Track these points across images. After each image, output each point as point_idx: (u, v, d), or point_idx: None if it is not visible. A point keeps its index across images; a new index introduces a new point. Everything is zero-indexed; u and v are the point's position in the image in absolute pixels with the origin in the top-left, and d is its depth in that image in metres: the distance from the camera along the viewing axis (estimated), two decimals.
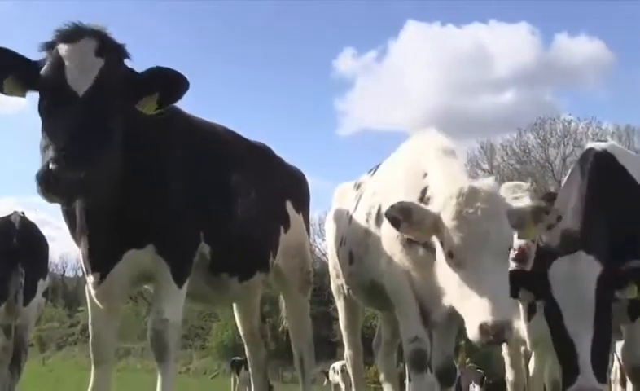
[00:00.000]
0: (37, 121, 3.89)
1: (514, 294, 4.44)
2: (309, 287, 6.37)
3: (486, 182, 4.17)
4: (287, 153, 6.05)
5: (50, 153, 3.54)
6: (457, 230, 3.94)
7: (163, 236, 4.49)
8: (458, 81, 77.98)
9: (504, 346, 8.30)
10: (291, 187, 6.23)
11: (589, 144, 5.44)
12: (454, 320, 5.32)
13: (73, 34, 3.96)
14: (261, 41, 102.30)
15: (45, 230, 7.62)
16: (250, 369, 6.75)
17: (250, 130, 5.82)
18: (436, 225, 4.07)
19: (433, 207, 4.19)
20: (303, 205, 6.38)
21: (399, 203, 4.18)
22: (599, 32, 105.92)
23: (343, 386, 24.81)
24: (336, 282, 6.51)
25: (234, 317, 6.70)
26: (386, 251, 4.94)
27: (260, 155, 5.97)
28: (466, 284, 3.94)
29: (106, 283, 4.48)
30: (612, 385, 10.09)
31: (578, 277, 4.40)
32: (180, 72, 4.10)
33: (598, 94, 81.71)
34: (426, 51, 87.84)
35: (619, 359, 9.28)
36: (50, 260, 8.09)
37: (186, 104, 4.78)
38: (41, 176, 3.47)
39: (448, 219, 3.98)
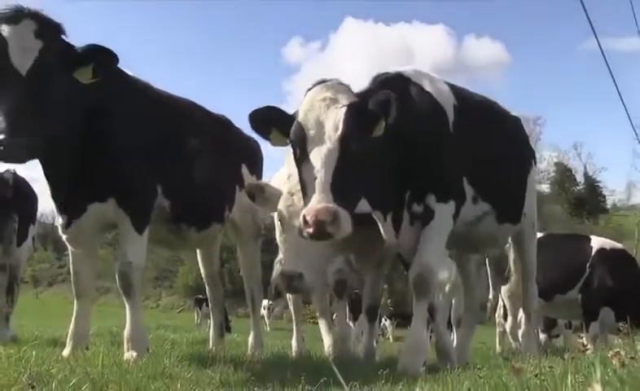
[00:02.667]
0: None
1: (265, 135, 4.12)
2: (260, 238, 6.33)
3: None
4: (241, 124, 5.95)
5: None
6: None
7: (122, 191, 4.42)
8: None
9: None
10: (247, 153, 6.13)
11: (383, 69, 4.72)
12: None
13: (14, 16, 3.85)
14: (222, 29, 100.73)
15: (36, 187, 7.51)
16: (210, 305, 6.72)
17: (208, 104, 5.77)
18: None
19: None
20: (257, 169, 6.28)
21: (255, 183, 4.56)
22: (499, 36, 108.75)
23: (267, 320, 28.92)
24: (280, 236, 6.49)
25: (197, 262, 6.64)
26: None
27: (220, 124, 5.87)
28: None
29: (74, 230, 4.48)
30: (497, 319, 10.44)
31: (324, 99, 3.82)
32: (109, 48, 4.11)
33: (498, 86, 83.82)
34: (360, 44, 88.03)
35: (502, 298, 9.64)
36: (41, 211, 7.99)
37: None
38: None
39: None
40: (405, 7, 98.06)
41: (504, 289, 9.39)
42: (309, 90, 3.96)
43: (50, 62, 3.87)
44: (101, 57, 4.10)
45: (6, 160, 3.81)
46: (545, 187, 58.78)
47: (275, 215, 4.45)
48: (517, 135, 5.74)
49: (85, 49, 4.07)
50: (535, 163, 6.08)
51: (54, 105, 3.88)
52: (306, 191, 3.73)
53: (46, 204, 7.63)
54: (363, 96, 4.02)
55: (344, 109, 3.76)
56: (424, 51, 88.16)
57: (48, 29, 3.94)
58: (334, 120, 3.73)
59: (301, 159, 3.79)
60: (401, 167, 4.25)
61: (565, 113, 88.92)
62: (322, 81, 4.00)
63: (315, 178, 3.59)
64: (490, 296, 10.22)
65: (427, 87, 4.56)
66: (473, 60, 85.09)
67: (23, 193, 7.41)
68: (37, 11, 3.94)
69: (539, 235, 9.75)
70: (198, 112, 5.60)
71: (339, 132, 3.70)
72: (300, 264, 4.31)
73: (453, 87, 4.84)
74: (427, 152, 4.28)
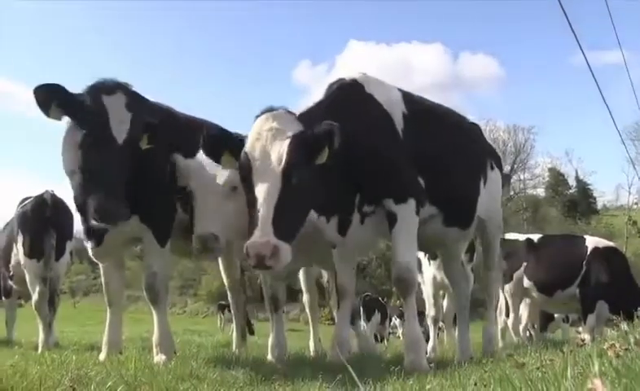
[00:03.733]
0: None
1: (216, 159, 4.04)
2: None
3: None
4: None
5: (98, 188, 3.81)
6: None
7: (145, 209, 4.46)
8: None
9: (427, 289, 8.44)
10: None
11: (340, 75, 4.66)
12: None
13: (112, 88, 4.04)
14: (235, 53, 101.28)
15: (72, 204, 7.56)
16: (232, 310, 6.71)
17: (223, 126, 5.79)
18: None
19: None
20: None
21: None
22: (493, 51, 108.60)
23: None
24: None
25: (219, 271, 6.64)
26: None
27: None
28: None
29: (102, 247, 4.56)
30: (498, 318, 10.33)
31: (270, 129, 3.73)
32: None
33: (493, 100, 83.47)
34: (364, 64, 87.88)
35: (504, 294, 9.56)
36: (77, 228, 8.04)
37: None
38: (96, 210, 3.80)
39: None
40: (405, 28, 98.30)
41: (506, 287, 9.38)
42: (257, 117, 3.90)
43: (136, 132, 4.04)
44: (152, 128, 4.21)
45: (104, 222, 3.95)
46: (540, 191, 58.46)
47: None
48: (472, 141, 5.56)
49: (146, 125, 4.19)
50: (498, 168, 5.90)
51: (129, 171, 4.01)
52: (251, 219, 3.64)
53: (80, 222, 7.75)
54: (309, 121, 3.92)
55: (287, 141, 3.69)
56: (423, 69, 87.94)
57: (135, 103, 4.10)
58: (278, 152, 3.67)
59: (247, 187, 3.73)
60: (348, 173, 4.16)
61: (557, 122, 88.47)
62: (270, 110, 3.93)
63: (258, 211, 3.53)
64: None
65: (378, 95, 4.49)
66: (469, 76, 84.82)
67: (61, 211, 7.41)
68: (127, 85, 4.12)
69: (537, 236, 9.80)
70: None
71: (282, 165, 3.64)
72: (214, 225, 4.21)
73: (404, 94, 4.75)
74: (376, 158, 4.20)
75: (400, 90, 4.80)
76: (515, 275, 9.24)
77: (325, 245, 4.51)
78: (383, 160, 4.24)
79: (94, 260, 4.73)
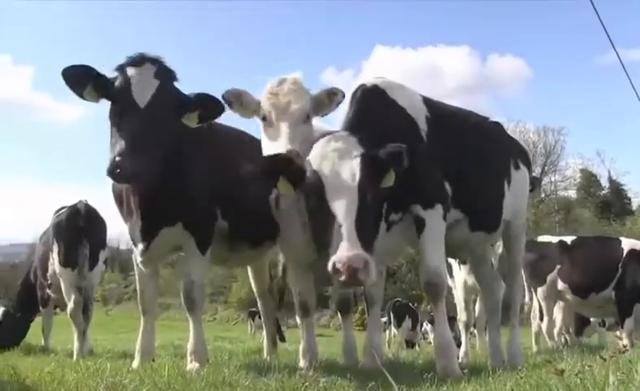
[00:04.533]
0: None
1: (274, 182, 3.92)
2: None
3: (293, 75, 4.35)
4: None
5: (117, 148, 3.74)
6: (266, 99, 4.20)
7: (188, 216, 4.52)
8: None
9: (459, 294, 8.32)
10: None
11: (361, 81, 4.61)
12: None
13: (139, 60, 4.10)
14: (259, 60, 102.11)
15: (104, 214, 7.70)
16: (262, 317, 6.73)
17: (256, 134, 5.79)
18: (257, 107, 4.28)
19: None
20: None
21: (233, 89, 4.37)
22: (521, 52, 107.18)
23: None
24: None
25: (249, 278, 6.66)
26: None
27: None
28: (271, 138, 4.14)
29: (148, 252, 4.60)
30: (533, 322, 10.13)
31: (336, 149, 3.74)
32: (218, 97, 4.27)
33: (521, 101, 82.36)
34: (390, 69, 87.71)
35: (537, 297, 9.37)
36: (108, 236, 8.18)
37: None
38: (110, 164, 3.67)
39: (263, 95, 4.24)
40: (431, 32, 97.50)
41: (539, 290, 9.23)
42: (316, 143, 3.90)
43: (164, 100, 4.04)
44: (209, 104, 4.25)
45: (118, 180, 3.89)
46: (571, 193, 57.24)
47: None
48: (495, 142, 5.44)
49: (196, 96, 4.22)
50: (525, 164, 5.77)
51: (162, 138, 4.00)
52: (323, 238, 3.57)
53: (112, 230, 7.87)
54: (367, 140, 3.88)
55: (358, 159, 3.70)
56: (450, 72, 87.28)
57: (165, 73, 4.14)
58: (350, 169, 3.66)
59: (318, 206, 3.66)
60: None
61: (587, 122, 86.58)
62: (329, 133, 3.96)
63: (340, 226, 3.46)
64: (527, 299, 9.94)
65: (401, 99, 4.47)
66: (497, 77, 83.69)
67: (94, 221, 7.55)
68: (157, 57, 4.17)
69: (570, 238, 9.61)
70: (247, 141, 5.62)
71: (356, 181, 3.62)
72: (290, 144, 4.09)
73: (424, 98, 4.72)
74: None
75: (420, 94, 4.76)
76: (549, 278, 9.08)
77: None
78: (411, 166, 4.21)
79: (141, 266, 4.77)
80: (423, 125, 4.46)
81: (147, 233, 4.52)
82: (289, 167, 3.85)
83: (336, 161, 3.68)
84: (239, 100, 4.37)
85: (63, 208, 7.87)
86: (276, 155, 3.96)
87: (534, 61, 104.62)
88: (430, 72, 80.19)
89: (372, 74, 5.57)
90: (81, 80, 4.05)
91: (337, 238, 3.44)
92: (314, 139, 4.05)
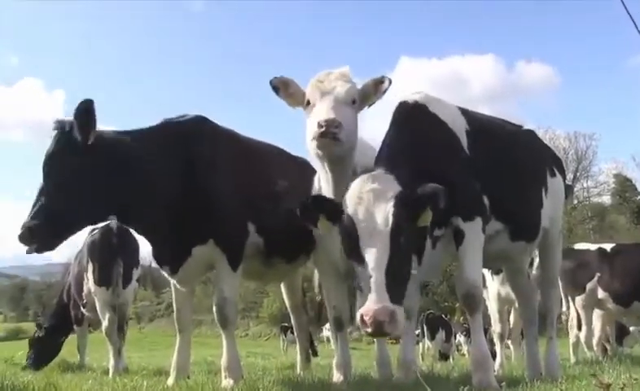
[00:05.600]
0: None
1: (313, 223, 3.83)
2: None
3: (341, 68, 4.34)
4: None
5: None
6: (312, 86, 4.18)
7: (219, 232, 4.52)
8: None
9: (492, 305, 8.18)
10: None
11: (402, 97, 4.57)
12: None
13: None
14: (290, 73, 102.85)
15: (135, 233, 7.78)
16: (295, 332, 6.71)
17: (277, 141, 5.79)
18: (303, 98, 4.26)
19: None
20: None
21: (281, 76, 4.38)
22: (548, 59, 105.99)
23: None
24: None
25: (280, 292, 6.67)
26: None
27: (300, 166, 5.80)
28: (314, 116, 4.05)
29: (182, 273, 4.60)
30: (570, 331, 9.87)
31: (371, 190, 3.66)
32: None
33: (550, 107, 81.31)
34: (416, 80, 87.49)
35: (575, 306, 9.14)
36: (140, 254, 8.29)
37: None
38: None
39: (309, 85, 4.23)
40: (456, 41, 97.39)
41: (578, 299, 9.02)
42: (353, 181, 3.85)
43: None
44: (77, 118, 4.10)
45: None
46: (605, 199, 55.94)
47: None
48: (531, 150, 5.41)
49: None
50: (559, 172, 5.69)
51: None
52: (358, 282, 3.54)
53: (144, 248, 7.97)
54: (404, 176, 3.83)
55: (391, 202, 3.63)
56: (477, 80, 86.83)
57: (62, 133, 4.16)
58: (383, 213, 3.60)
59: (353, 251, 3.63)
60: None
61: (618, 126, 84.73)
62: (366, 172, 3.90)
63: (370, 276, 3.44)
64: (564, 308, 9.71)
65: (442, 114, 4.45)
66: (525, 84, 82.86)
67: (126, 240, 7.62)
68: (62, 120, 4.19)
69: (610, 245, 9.38)
70: (282, 156, 5.66)
71: (389, 226, 3.56)
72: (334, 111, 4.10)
73: (462, 110, 4.72)
74: (446, 179, 4.02)
75: (458, 107, 4.76)
76: (588, 286, 8.88)
77: None
78: (454, 180, 4.15)
79: (178, 285, 4.82)
80: (463, 139, 4.47)
81: (179, 255, 4.54)
82: (327, 206, 3.85)
83: (371, 204, 3.63)
84: (287, 88, 4.38)
85: (96, 228, 7.95)
86: (314, 197, 4.01)
87: (562, 66, 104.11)
88: (456, 81, 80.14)
89: (405, 88, 5.59)
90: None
91: (366, 288, 3.44)
92: (362, 149, 4.12)
